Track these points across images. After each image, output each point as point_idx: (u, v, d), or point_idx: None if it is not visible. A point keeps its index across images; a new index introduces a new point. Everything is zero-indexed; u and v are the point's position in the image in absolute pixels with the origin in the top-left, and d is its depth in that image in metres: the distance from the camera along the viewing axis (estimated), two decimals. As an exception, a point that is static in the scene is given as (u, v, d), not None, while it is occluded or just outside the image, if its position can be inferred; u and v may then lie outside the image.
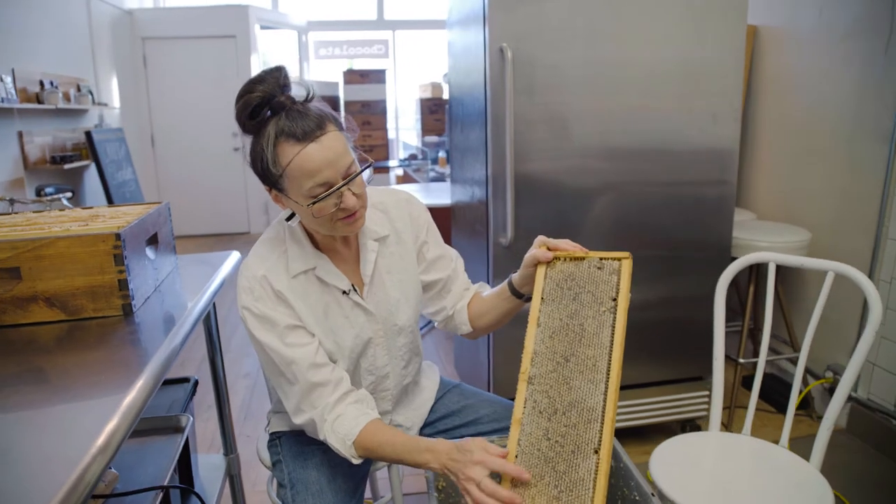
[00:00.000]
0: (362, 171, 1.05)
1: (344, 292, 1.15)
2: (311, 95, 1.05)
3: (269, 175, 1.03)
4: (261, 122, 1.01)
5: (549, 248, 1.08)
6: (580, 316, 1.01)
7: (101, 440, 0.75)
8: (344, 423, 1.07)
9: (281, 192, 1.05)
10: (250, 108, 1.00)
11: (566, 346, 0.99)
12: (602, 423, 0.91)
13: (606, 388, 0.94)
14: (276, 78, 1.01)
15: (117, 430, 0.78)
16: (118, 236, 1.13)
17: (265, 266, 1.10)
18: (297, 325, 1.10)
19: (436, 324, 1.34)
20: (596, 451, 0.90)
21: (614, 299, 1.00)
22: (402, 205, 1.25)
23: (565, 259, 1.07)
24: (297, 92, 1.04)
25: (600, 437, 0.91)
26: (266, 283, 1.09)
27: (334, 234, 1.09)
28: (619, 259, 1.04)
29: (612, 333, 0.97)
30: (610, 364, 0.95)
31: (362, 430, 1.06)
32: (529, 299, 1.09)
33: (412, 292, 1.24)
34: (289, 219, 1.12)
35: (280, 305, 1.09)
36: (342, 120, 1.07)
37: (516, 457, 0.94)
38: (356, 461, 1.08)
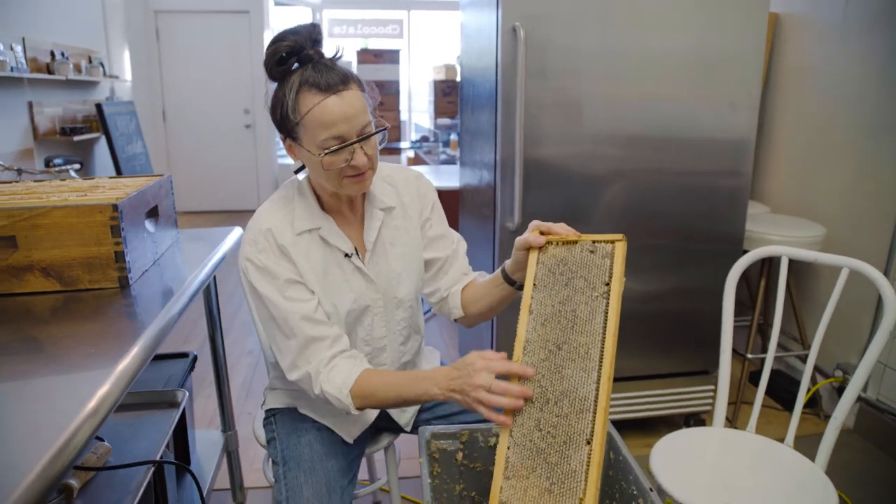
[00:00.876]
0: (377, 132, 1.07)
1: (346, 255, 1.15)
2: (339, 54, 1.08)
3: (287, 122, 1.04)
4: (287, 70, 1.04)
5: (542, 233, 1.05)
6: (572, 302, 0.97)
7: (91, 404, 0.75)
8: (339, 373, 1.08)
9: (295, 140, 1.06)
10: (279, 55, 1.02)
11: (558, 334, 0.95)
12: (594, 413, 0.88)
13: (599, 376, 0.90)
14: (309, 32, 1.04)
15: (108, 396, 0.78)
16: (115, 207, 1.11)
17: (272, 220, 1.12)
18: (297, 281, 1.11)
19: (431, 306, 1.32)
20: (588, 442, 0.87)
21: (607, 284, 0.96)
22: (410, 180, 1.26)
23: (558, 243, 1.03)
24: (327, 50, 1.07)
25: (592, 428, 0.87)
26: (270, 235, 1.10)
27: (340, 191, 1.10)
28: (613, 242, 0.99)
29: (605, 319, 0.93)
30: (603, 352, 0.92)
31: (358, 377, 1.07)
32: (522, 287, 1.06)
33: (414, 267, 1.23)
34: (297, 171, 1.13)
35: (282, 260, 1.11)
36: (365, 85, 1.09)
37: (508, 448, 0.91)
38: (354, 412, 1.08)
